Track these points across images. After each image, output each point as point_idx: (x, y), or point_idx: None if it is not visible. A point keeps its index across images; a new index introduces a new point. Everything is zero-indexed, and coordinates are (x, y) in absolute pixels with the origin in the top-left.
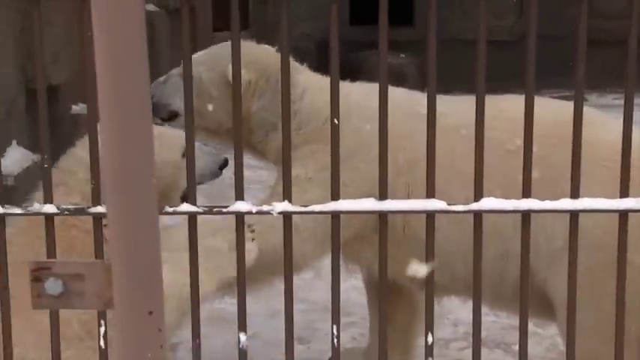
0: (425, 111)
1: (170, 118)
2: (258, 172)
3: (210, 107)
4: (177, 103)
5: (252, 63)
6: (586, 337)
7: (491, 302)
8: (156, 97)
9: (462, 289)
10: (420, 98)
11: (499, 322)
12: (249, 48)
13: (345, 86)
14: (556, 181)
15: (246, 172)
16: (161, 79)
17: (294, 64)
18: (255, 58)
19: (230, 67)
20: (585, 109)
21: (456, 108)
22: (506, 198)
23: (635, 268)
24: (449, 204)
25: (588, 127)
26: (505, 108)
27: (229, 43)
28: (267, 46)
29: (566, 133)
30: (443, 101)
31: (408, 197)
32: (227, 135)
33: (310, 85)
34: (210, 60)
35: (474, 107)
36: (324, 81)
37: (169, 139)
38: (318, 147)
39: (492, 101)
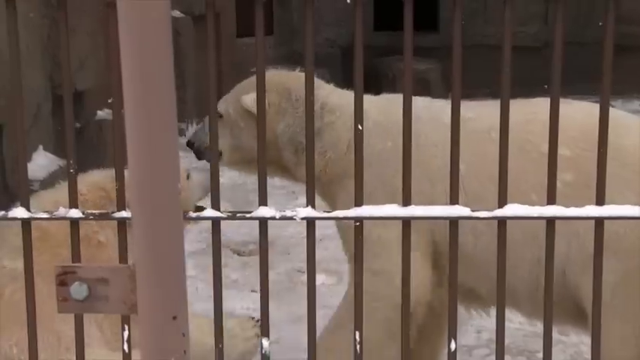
0: (472, 125)
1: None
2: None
3: (242, 139)
4: (219, 143)
5: (271, 85)
6: (623, 347)
7: (529, 310)
8: (197, 142)
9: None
10: (445, 105)
11: (522, 330)
12: (268, 74)
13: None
14: (588, 184)
15: (269, 178)
16: (199, 125)
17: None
18: (273, 80)
19: (243, 96)
20: (621, 112)
21: (485, 111)
22: (541, 201)
23: None
24: (473, 210)
25: (623, 130)
26: (538, 111)
27: (251, 78)
28: (285, 71)
29: (596, 136)
30: (470, 106)
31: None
32: (271, 166)
33: (332, 102)
34: (233, 94)
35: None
36: (346, 97)
37: None
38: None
39: (526, 105)
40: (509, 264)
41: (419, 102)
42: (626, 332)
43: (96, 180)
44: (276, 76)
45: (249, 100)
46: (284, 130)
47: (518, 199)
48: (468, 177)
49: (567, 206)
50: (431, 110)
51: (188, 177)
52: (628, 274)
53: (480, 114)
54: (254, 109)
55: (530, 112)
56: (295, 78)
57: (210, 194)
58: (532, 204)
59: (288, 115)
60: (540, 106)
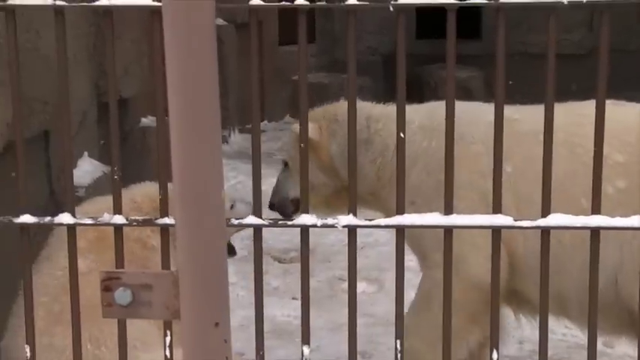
0: (518, 126)
1: (297, 207)
2: None
3: (310, 171)
4: (296, 191)
5: (318, 115)
6: None
7: (578, 317)
8: (278, 199)
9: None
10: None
11: (566, 341)
12: (314, 110)
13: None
14: (633, 192)
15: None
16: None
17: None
18: (319, 111)
19: (293, 125)
20: None
21: (532, 113)
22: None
23: None
24: (516, 219)
25: None
26: (589, 114)
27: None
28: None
29: None
30: (516, 108)
31: (517, 210)
32: (342, 194)
33: (376, 113)
34: (289, 138)
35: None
36: (388, 108)
37: None
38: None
39: (577, 107)
40: (557, 268)
41: (463, 106)
42: None
43: (149, 190)
44: (320, 108)
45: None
46: (336, 151)
47: (567, 204)
48: (516, 178)
49: (620, 213)
50: (475, 111)
51: (232, 207)
52: None
53: (527, 116)
54: (310, 133)
55: (581, 115)
56: (338, 104)
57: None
58: (581, 209)
59: (338, 136)
60: (591, 109)
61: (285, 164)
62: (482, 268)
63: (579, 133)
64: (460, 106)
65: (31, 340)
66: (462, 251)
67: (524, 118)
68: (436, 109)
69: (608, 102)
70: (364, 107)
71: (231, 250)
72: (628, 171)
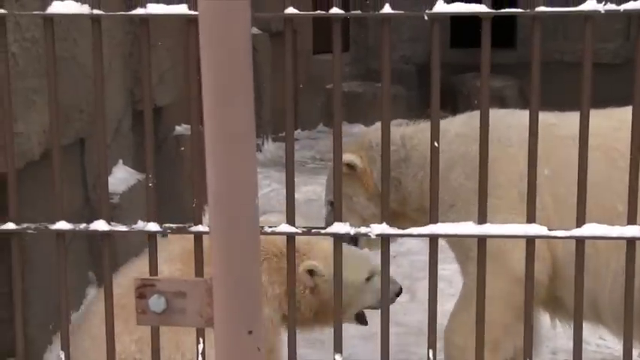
0: (557, 130)
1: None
2: None
3: (359, 205)
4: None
5: (353, 146)
6: None
7: (612, 324)
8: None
9: (588, 314)
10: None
11: (600, 353)
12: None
13: (444, 123)
14: None
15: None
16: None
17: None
18: (352, 141)
19: (345, 154)
20: None
21: (569, 118)
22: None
23: None
24: (550, 229)
25: None
26: (627, 119)
27: None
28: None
29: None
30: (553, 114)
31: (555, 212)
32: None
33: (410, 131)
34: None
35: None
36: (421, 124)
37: (357, 259)
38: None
39: (615, 112)
40: (592, 275)
41: (499, 112)
42: None
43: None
44: (353, 139)
45: (347, 157)
46: (379, 177)
47: (603, 208)
48: (554, 180)
49: None
50: (511, 116)
51: (368, 279)
52: None
53: (565, 121)
54: (353, 159)
55: (619, 120)
56: (370, 131)
57: (285, 209)
58: (617, 214)
59: (378, 162)
60: (629, 114)
61: (331, 204)
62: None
63: (616, 138)
64: (496, 112)
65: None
66: (505, 247)
67: (562, 123)
68: (472, 117)
69: None
70: (397, 128)
71: (362, 320)
72: None
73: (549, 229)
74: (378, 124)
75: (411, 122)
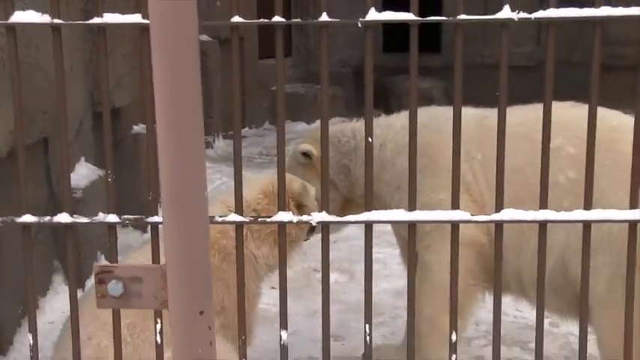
0: (487, 122)
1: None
2: None
3: (315, 190)
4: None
5: (309, 137)
6: (618, 335)
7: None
8: None
9: (514, 287)
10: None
11: (517, 322)
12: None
13: (392, 118)
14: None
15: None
16: None
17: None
18: (309, 134)
19: (300, 147)
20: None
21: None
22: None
23: None
24: (472, 214)
25: (627, 135)
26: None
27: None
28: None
29: (605, 138)
30: (487, 110)
31: (490, 191)
32: (348, 205)
33: (359, 126)
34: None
35: (515, 111)
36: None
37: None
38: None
39: (539, 106)
40: (517, 249)
41: (440, 108)
42: (620, 321)
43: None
44: (313, 129)
45: (304, 146)
46: (332, 164)
47: (527, 189)
48: (486, 165)
49: (569, 200)
50: (449, 111)
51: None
52: (620, 268)
53: (494, 113)
54: (309, 148)
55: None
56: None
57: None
58: (534, 196)
59: (331, 151)
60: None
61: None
62: (469, 229)
63: (537, 128)
64: (437, 108)
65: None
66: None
67: (493, 115)
68: (433, 109)
69: (568, 103)
70: (349, 124)
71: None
72: (579, 163)
73: (472, 215)
74: (332, 120)
75: (360, 119)
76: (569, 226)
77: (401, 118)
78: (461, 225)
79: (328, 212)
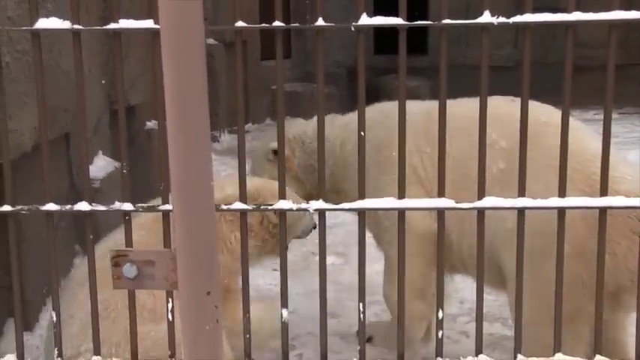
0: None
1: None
2: None
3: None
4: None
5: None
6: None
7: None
8: None
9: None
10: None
11: (498, 300)
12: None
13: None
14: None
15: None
16: None
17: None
18: (288, 131)
19: (270, 145)
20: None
21: (458, 104)
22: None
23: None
24: (457, 202)
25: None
26: (495, 105)
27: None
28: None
29: (535, 131)
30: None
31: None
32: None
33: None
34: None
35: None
36: (338, 118)
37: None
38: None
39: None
40: (459, 235)
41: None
42: (528, 290)
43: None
44: (291, 126)
45: (273, 144)
46: (299, 162)
47: (469, 178)
48: (434, 160)
49: (498, 189)
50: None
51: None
52: (532, 246)
53: (455, 105)
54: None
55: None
56: (291, 125)
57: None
58: (473, 182)
59: (296, 150)
60: (495, 102)
61: None
62: (424, 221)
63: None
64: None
65: (56, 305)
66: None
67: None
68: (384, 105)
69: (508, 98)
70: (309, 125)
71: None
72: (508, 156)
73: (456, 202)
74: (293, 121)
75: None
76: (497, 214)
77: (356, 118)
78: (415, 218)
79: (325, 200)
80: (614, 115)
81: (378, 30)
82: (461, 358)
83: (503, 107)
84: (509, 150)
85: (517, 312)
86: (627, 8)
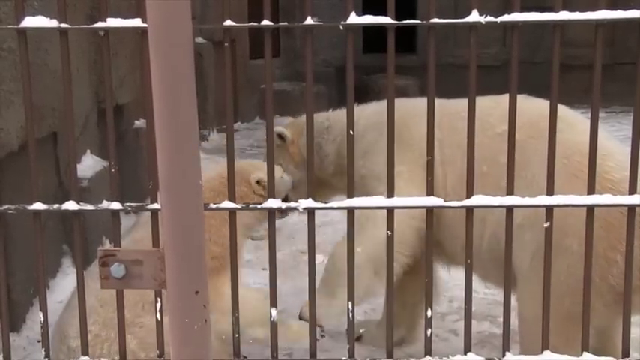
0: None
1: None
2: None
3: (289, 171)
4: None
5: (290, 123)
6: (537, 306)
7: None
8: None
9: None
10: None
11: (486, 299)
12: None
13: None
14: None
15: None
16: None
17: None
18: (291, 120)
19: (275, 129)
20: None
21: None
22: (490, 171)
23: (571, 251)
24: (446, 200)
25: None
26: (503, 100)
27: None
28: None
29: (541, 126)
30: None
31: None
32: (320, 187)
33: (333, 114)
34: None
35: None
36: (337, 113)
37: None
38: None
39: (494, 97)
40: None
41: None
42: (540, 294)
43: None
44: (294, 120)
45: (278, 129)
46: (304, 143)
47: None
48: (444, 143)
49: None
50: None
51: (282, 176)
52: (540, 246)
53: (457, 101)
54: (283, 130)
55: (495, 100)
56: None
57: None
58: (482, 173)
59: (303, 135)
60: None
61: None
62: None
63: (491, 113)
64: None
65: (44, 305)
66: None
67: (451, 102)
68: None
69: (521, 96)
70: (323, 114)
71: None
72: (519, 147)
73: (445, 201)
74: (316, 115)
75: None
76: (487, 212)
77: (372, 107)
78: (414, 194)
79: (314, 199)
80: (601, 114)
81: (367, 29)
82: (450, 356)
83: (521, 103)
84: (519, 142)
85: (519, 310)
86: (613, 8)
